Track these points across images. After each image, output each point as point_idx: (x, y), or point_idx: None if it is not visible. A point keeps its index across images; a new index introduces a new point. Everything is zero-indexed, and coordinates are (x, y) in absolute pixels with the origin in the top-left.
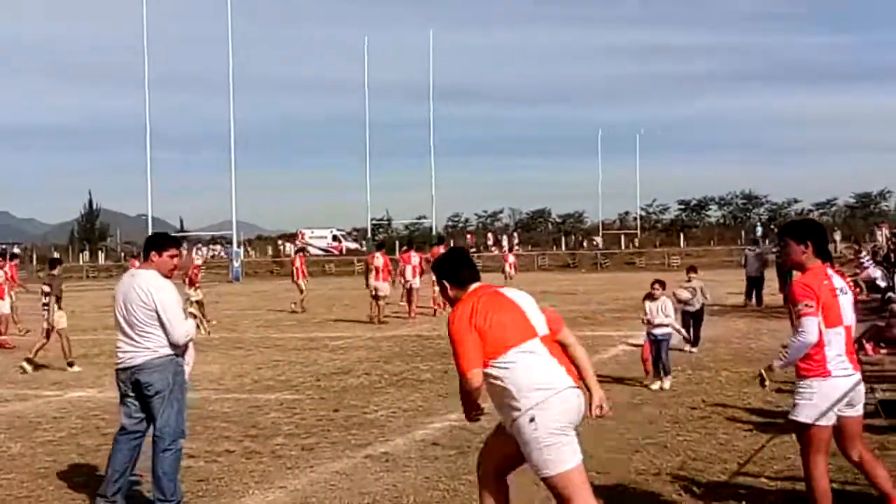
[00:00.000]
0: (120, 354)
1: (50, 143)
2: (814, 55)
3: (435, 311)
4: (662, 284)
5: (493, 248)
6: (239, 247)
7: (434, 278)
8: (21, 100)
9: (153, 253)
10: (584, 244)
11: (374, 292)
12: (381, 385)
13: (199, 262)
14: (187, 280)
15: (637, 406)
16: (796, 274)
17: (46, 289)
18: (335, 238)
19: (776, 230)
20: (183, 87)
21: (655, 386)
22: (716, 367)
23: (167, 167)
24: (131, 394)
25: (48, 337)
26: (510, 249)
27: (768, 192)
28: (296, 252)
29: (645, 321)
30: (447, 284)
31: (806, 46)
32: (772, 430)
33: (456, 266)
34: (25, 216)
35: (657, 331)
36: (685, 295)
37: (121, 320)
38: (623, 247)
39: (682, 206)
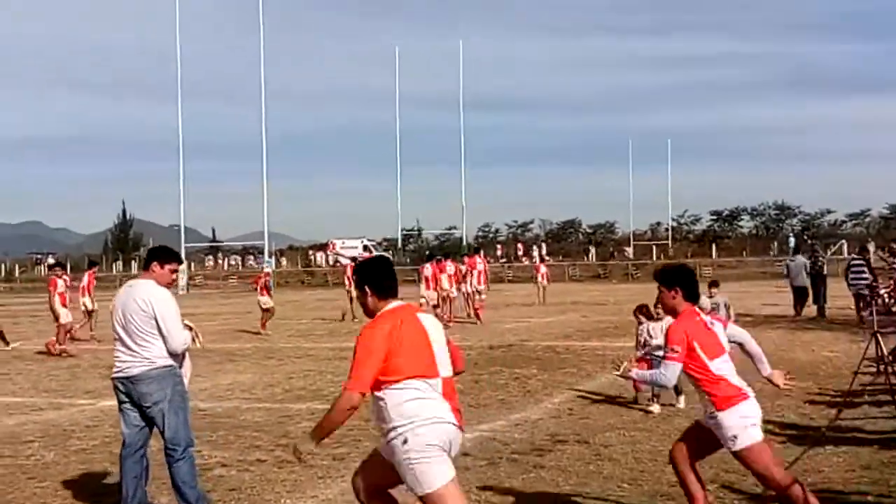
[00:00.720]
0: (118, 364)
1: (83, 153)
2: (848, 63)
3: (471, 316)
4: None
5: (523, 259)
6: (270, 257)
7: (355, 282)
8: (55, 111)
9: (155, 264)
10: (615, 255)
11: (422, 301)
12: None
13: (268, 269)
14: (259, 288)
15: (668, 417)
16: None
17: None
18: (366, 248)
19: (810, 241)
20: (216, 97)
21: (655, 409)
22: (748, 378)
23: (200, 177)
24: (128, 402)
25: None
26: (541, 260)
27: (801, 202)
28: (350, 262)
29: (641, 342)
30: (368, 290)
31: (839, 55)
32: (806, 443)
33: (381, 274)
34: (58, 226)
35: (660, 352)
36: (706, 304)
37: (119, 330)
38: (654, 258)
39: (714, 217)
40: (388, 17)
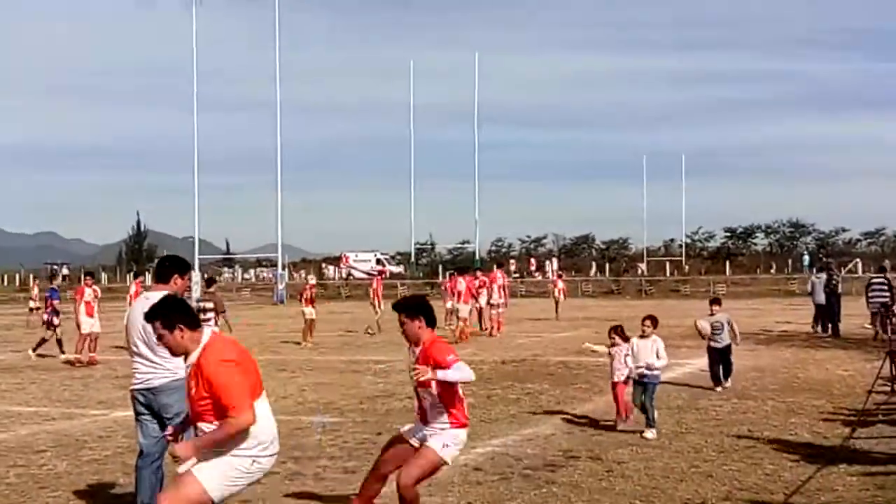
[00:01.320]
0: (138, 376)
1: (99, 165)
2: (863, 82)
3: (490, 330)
4: (654, 321)
5: (536, 274)
6: (283, 269)
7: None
8: (72, 123)
9: (177, 276)
10: (629, 271)
11: (454, 313)
12: None
13: (313, 281)
14: (304, 299)
15: (682, 435)
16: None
17: (209, 305)
18: (379, 262)
19: (825, 259)
20: (231, 110)
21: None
22: (761, 396)
23: (214, 189)
24: (147, 413)
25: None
26: (559, 276)
27: (816, 220)
28: (376, 275)
29: (623, 362)
30: (182, 327)
31: (855, 73)
32: (819, 461)
33: (188, 310)
34: (73, 237)
35: (648, 372)
36: (705, 326)
37: (139, 343)
38: (668, 274)
39: (728, 234)
40: (403, 30)
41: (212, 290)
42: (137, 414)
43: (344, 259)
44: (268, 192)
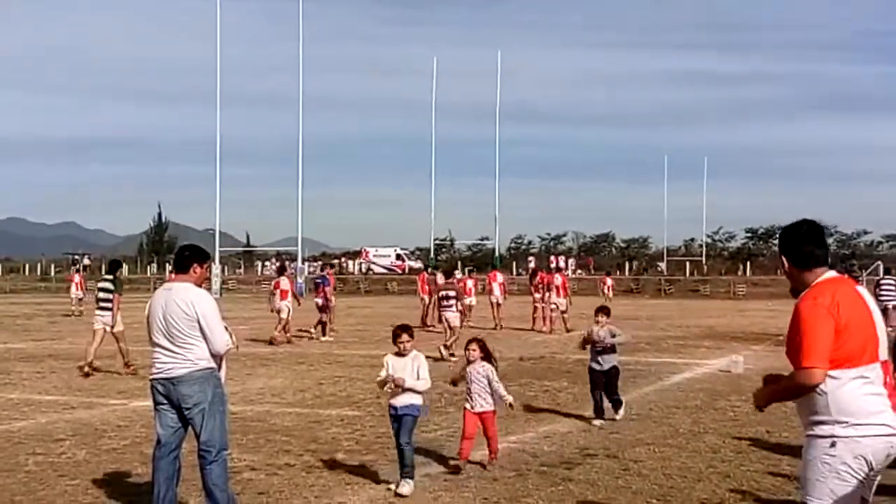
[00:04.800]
0: (158, 365)
1: (121, 156)
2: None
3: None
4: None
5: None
6: (303, 263)
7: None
8: (93, 115)
9: (196, 265)
10: (648, 270)
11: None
12: (441, 404)
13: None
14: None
15: (700, 434)
16: None
17: (452, 293)
18: (399, 257)
19: (846, 260)
20: (254, 104)
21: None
22: None
23: (235, 182)
24: (166, 403)
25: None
26: (607, 274)
27: (837, 222)
28: (422, 270)
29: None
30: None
31: (878, 76)
32: None
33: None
34: (94, 227)
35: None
36: (600, 334)
37: (160, 334)
38: (688, 274)
39: (749, 235)
40: (426, 27)
41: (452, 279)
42: (156, 404)
43: (364, 254)
44: (289, 186)
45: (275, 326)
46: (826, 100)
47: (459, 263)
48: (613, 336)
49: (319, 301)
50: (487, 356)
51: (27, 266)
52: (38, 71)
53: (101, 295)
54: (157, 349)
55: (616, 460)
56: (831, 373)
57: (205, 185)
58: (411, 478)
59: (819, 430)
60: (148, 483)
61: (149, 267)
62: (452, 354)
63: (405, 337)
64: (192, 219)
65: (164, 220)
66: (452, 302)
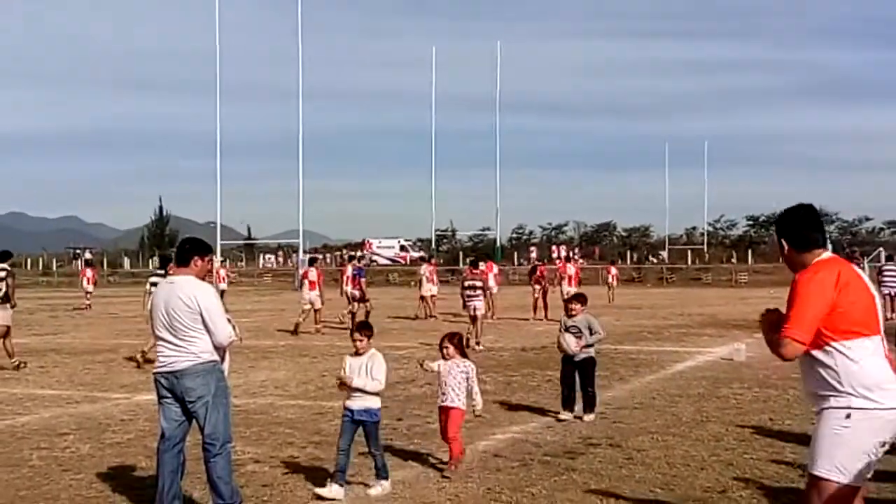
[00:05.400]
0: (162, 359)
1: (121, 150)
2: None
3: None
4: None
5: (556, 262)
6: (305, 255)
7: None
8: (94, 108)
9: (197, 258)
10: (650, 259)
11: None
12: None
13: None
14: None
15: (703, 423)
16: None
17: (478, 283)
18: (402, 248)
19: (848, 247)
20: (253, 96)
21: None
22: (783, 385)
23: (236, 175)
24: (169, 397)
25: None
26: (612, 263)
27: (839, 208)
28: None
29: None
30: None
31: (879, 63)
32: None
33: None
34: (95, 221)
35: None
36: (571, 342)
37: (162, 327)
38: (689, 262)
39: (751, 222)
40: (425, 18)
41: (477, 270)
42: (160, 397)
43: (367, 245)
44: (289, 179)
45: (301, 316)
46: (827, 87)
47: (461, 254)
48: (591, 329)
49: (356, 292)
50: (464, 353)
51: (28, 261)
52: (37, 65)
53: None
54: (161, 342)
55: (619, 449)
56: (845, 343)
57: (205, 178)
58: (385, 478)
59: (833, 402)
60: (152, 477)
61: (150, 260)
62: (479, 343)
63: (357, 336)
64: (193, 212)
65: (165, 213)
66: (479, 292)
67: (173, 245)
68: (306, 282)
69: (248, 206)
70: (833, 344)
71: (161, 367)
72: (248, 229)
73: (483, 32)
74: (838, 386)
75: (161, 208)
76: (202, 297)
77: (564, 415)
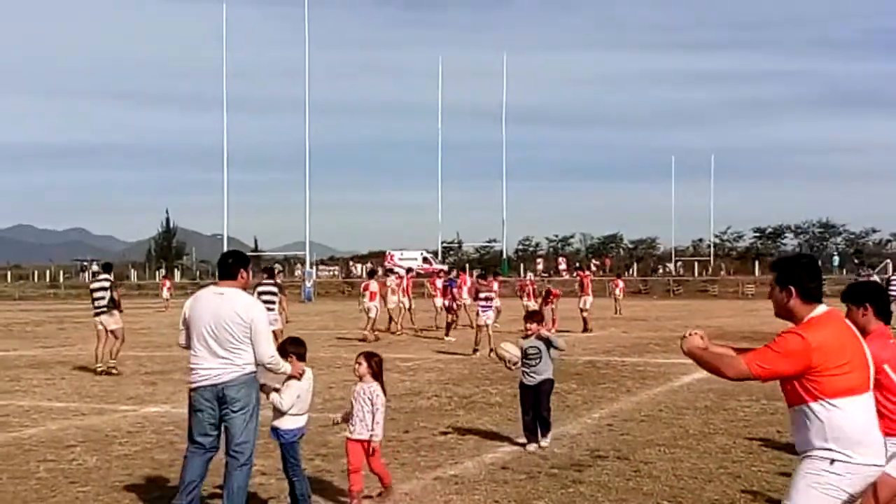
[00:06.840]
0: (202, 372)
1: (129, 162)
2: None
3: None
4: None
5: (563, 273)
6: (311, 267)
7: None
8: (102, 120)
9: (242, 270)
10: (657, 270)
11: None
12: (451, 407)
13: (532, 277)
14: (527, 294)
15: (710, 435)
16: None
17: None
18: (426, 260)
19: (856, 260)
20: (260, 109)
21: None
22: None
23: (243, 187)
24: (211, 411)
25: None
26: (618, 276)
27: (846, 220)
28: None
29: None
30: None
31: (886, 74)
32: None
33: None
34: (102, 233)
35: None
36: (512, 352)
37: (207, 339)
38: (696, 274)
39: (758, 234)
40: (432, 29)
41: (488, 282)
42: (197, 410)
43: (388, 257)
44: (296, 191)
45: (364, 326)
46: (834, 98)
47: (467, 266)
48: (550, 344)
49: (446, 302)
50: (377, 375)
51: (36, 273)
52: (44, 77)
53: (265, 298)
54: (203, 354)
55: (626, 462)
56: (834, 401)
57: (212, 191)
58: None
59: (818, 453)
60: (159, 489)
61: (157, 272)
62: (476, 350)
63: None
64: (200, 224)
65: (172, 225)
66: (491, 304)
67: (180, 257)
68: (367, 293)
69: (256, 217)
70: (822, 401)
71: (203, 379)
72: (255, 241)
73: (489, 44)
74: (823, 443)
75: (168, 220)
76: (257, 314)
77: (531, 446)
